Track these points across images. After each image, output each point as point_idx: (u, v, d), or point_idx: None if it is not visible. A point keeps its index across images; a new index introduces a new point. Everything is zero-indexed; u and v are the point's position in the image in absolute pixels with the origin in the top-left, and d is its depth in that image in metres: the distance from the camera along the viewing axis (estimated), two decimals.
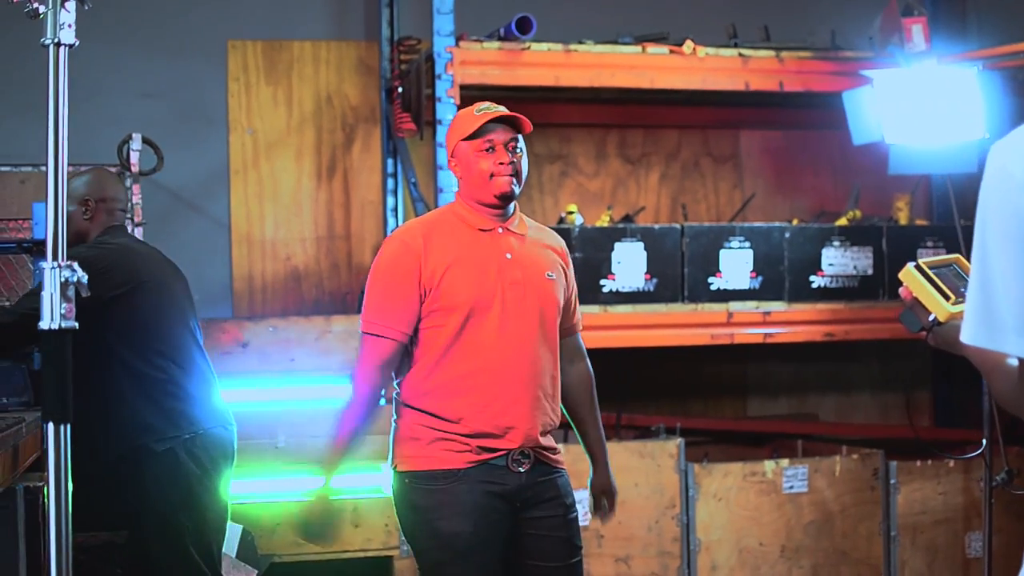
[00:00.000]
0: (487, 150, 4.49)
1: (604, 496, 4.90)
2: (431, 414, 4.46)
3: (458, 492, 4.43)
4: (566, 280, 4.72)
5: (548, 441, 4.58)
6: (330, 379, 6.73)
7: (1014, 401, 2.32)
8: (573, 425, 4.89)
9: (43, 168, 7.13)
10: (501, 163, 4.49)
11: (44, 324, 2.95)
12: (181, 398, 5.11)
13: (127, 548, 5.32)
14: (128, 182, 7.10)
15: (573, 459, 5.12)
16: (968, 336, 2.30)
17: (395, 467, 4.54)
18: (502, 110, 4.56)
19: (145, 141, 6.98)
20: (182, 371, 5.14)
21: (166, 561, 5.08)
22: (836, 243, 7.50)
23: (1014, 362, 2.28)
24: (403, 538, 6.57)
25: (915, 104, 7.10)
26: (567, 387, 4.80)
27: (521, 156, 4.53)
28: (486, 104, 4.58)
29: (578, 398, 4.86)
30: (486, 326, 4.46)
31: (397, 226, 7.84)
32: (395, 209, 7.90)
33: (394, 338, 4.45)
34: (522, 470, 4.49)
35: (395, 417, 4.61)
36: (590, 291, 6.97)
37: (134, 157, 6.89)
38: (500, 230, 4.55)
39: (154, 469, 5.02)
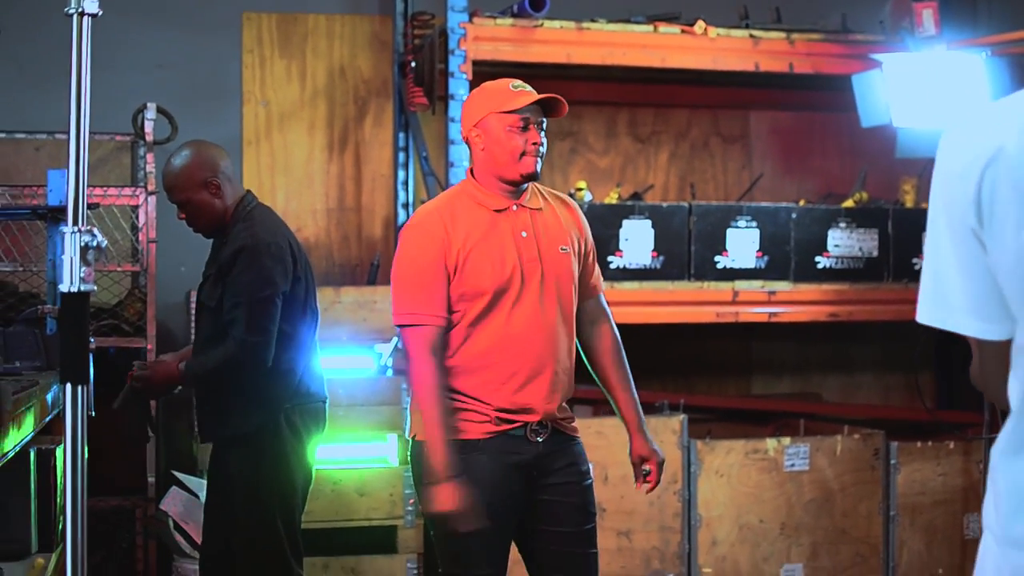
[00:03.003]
0: (521, 128, 4.52)
1: (646, 463, 4.78)
2: (451, 387, 4.52)
3: (476, 462, 4.48)
4: (583, 246, 4.73)
5: (564, 411, 4.64)
6: (339, 349, 6.79)
7: (977, 380, 2.39)
8: (604, 390, 4.86)
9: (57, 136, 7.24)
10: (534, 143, 4.53)
11: (64, 287, 3.03)
12: (299, 369, 5.27)
13: (209, 513, 5.43)
14: (142, 151, 7.17)
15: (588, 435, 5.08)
16: (922, 316, 2.37)
17: (414, 436, 4.59)
18: (532, 91, 4.59)
19: (160, 111, 7.04)
20: (298, 342, 5.27)
21: (250, 523, 5.22)
22: (842, 225, 7.55)
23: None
24: (408, 508, 6.67)
25: (924, 88, 7.15)
26: (594, 351, 4.81)
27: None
28: (519, 82, 4.58)
29: (605, 360, 4.82)
30: (505, 306, 4.50)
31: (407, 199, 7.89)
32: (405, 183, 7.95)
33: (434, 324, 4.45)
34: (540, 440, 4.55)
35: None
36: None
37: (148, 126, 6.96)
38: (514, 207, 4.59)
39: (258, 434, 5.19)
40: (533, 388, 4.53)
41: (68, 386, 3.03)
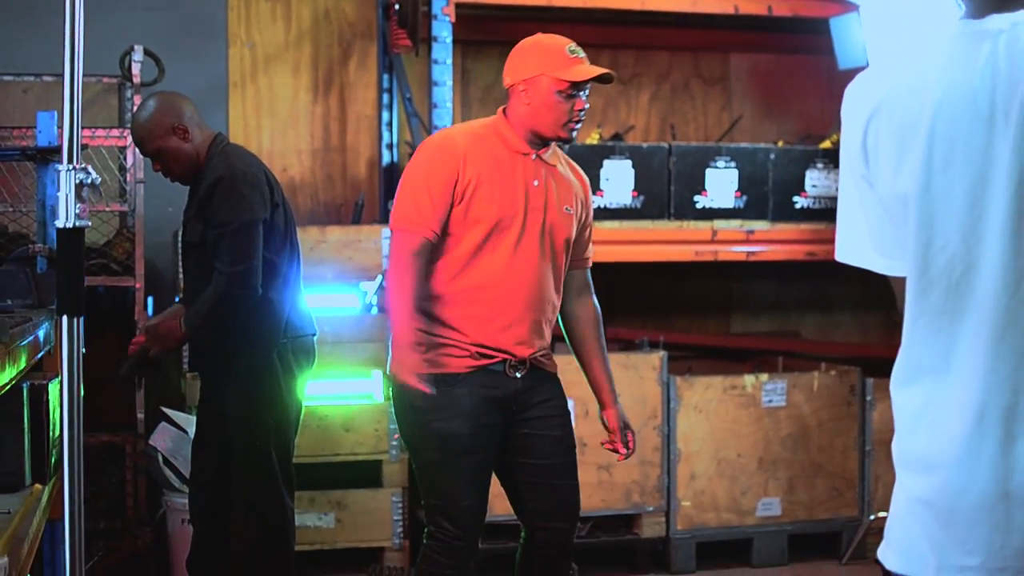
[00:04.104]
0: (570, 95, 4.61)
1: (625, 432, 4.91)
2: (435, 319, 4.63)
3: (456, 395, 4.59)
4: (584, 216, 4.86)
5: (542, 350, 4.76)
6: (325, 288, 6.88)
7: (901, 313, 2.52)
8: (579, 359, 4.96)
9: (45, 78, 7.29)
10: (582, 111, 4.63)
11: (60, 223, 3.13)
12: (286, 305, 5.37)
13: (200, 444, 5.55)
14: (129, 93, 7.23)
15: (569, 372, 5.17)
16: (839, 255, 2.52)
17: (394, 374, 4.70)
18: (586, 58, 4.64)
19: (147, 53, 7.09)
20: (283, 274, 5.38)
21: (246, 459, 5.35)
22: (820, 165, 7.62)
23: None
24: (392, 443, 6.79)
25: (900, 30, 7.23)
26: (575, 318, 4.92)
27: None
28: (575, 45, 4.63)
29: (586, 331, 4.94)
30: (503, 245, 4.60)
31: (391, 140, 7.97)
32: (390, 124, 8.02)
33: (423, 234, 4.54)
34: (519, 375, 4.67)
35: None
36: None
37: (136, 68, 7.01)
38: (534, 156, 4.69)
39: (252, 370, 5.31)
40: (516, 331, 4.64)
41: (64, 318, 3.14)
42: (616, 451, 4.91)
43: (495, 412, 4.66)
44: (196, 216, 5.31)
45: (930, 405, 2.37)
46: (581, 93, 4.60)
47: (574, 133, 4.65)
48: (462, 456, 4.62)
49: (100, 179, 3.09)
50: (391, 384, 4.72)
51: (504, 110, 4.72)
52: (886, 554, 2.47)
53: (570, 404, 4.99)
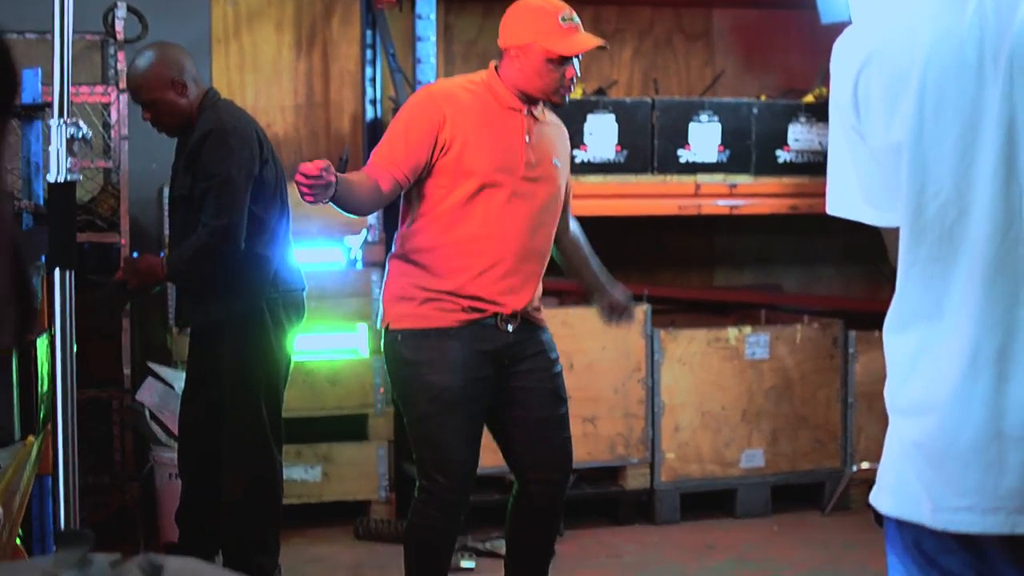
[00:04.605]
0: (560, 63, 4.63)
1: (616, 310, 5.10)
2: (428, 272, 4.67)
3: (448, 348, 4.65)
4: (567, 170, 4.94)
5: (533, 303, 4.81)
6: (310, 242, 6.89)
7: (892, 264, 2.55)
8: (573, 272, 5.13)
9: (27, 35, 7.28)
10: (572, 79, 4.67)
11: (51, 177, 3.16)
12: (275, 260, 5.42)
13: (196, 401, 5.59)
14: (112, 49, 7.23)
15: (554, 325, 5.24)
16: (830, 207, 2.56)
17: (387, 326, 4.74)
18: (579, 25, 4.68)
19: (130, 9, 7.09)
20: (271, 229, 5.42)
21: (236, 413, 5.39)
22: (802, 120, 7.65)
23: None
24: (378, 397, 6.84)
25: None
26: (566, 243, 5.04)
27: None
28: (568, 11, 4.67)
29: (571, 244, 5.08)
30: (496, 199, 4.64)
31: (374, 96, 7.97)
32: (373, 79, 8.02)
33: (389, 175, 4.56)
34: (510, 329, 4.72)
35: (386, 278, 4.81)
36: None
37: (119, 25, 7.01)
38: (525, 112, 4.73)
39: (242, 325, 5.37)
40: (509, 282, 4.69)
41: (56, 271, 3.17)
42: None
43: (487, 365, 4.71)
44: (184, 169, 5.33)
45: (924, 350, 2.40)
46: (573, 61, 4.63)
47: (566, 98, 4.70)
48: (454, 408, 4.67)
49: (91, 133, 3.11)
50: (384, 338, 4.77)
51: (497, 67, 4.74)
52: (879, 498, 2.50)
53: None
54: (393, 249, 4.81)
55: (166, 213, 6.43)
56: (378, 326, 4.84)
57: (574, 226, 5.11)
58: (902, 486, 2.45)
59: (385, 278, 4.83)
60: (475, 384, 4.69)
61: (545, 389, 4.82)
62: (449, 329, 4.66)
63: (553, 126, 4.86)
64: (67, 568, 1.86)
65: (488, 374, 4.72)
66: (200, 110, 5.40)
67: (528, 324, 4.79)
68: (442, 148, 4.59)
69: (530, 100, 4.71)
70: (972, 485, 2.36)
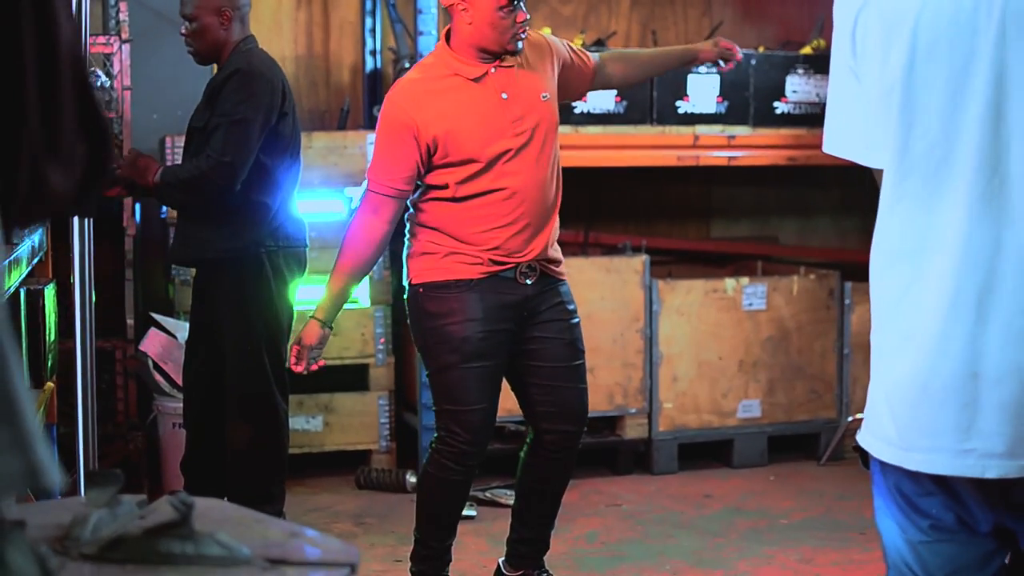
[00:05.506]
0: (510, 9, 4.64)
1: (722, 56, 5.27)
2: (446, 234, 4.71)
3: (469, 300, 4.69)
4: (559, 64, 4.92)
5: (554, 254, 4.85)
6: (311, 193, 6.90)
7: None
8: (652, 66, 5.36)
9: None
10: (524, 22, 4.67)
11: None
12: (279, 212, 5.45)
13: (200, 352, 5.62)
14: (113, 1, 7.23)
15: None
16: (827, 146, 2.60)
17: (410, 281, 4.80)
18: None
19: None
20: (275, 178, 5.46)
21: (240, 363, 5.44)
22: (800, 71, 7.67)
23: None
24: (379, 347, 6.88)
25: None
26: (615, 68, 5.18)
27: None
28: None
29: (625, 58, 5.26)
30: (499, 167, 4.67)
31: (375, 46, 7.98)
32: (373, 30, 8.02)
33: (387, 194, 4.67)
34: (529, 282, 4.76)
35: (408, 236, 4.85)
36: (561, 112, 7.10)
37: None
38: (492, 70, 4.74)
39: (244, 275, 5.40)
40: (525, 236, 4.72)
41: (75, 219, 3.20)
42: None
43: (507, 318, 4.75)
44: (205, 103, 5.40)
45: (908, 290, 2.44)
46: (520, 3, 4.63)
47: (520, 44, 4.69)
48: (474, 359, 4.72)
49: (110, 82, 3.13)
50: (407, 293, 4.82)
51: (446, 36, 4.74)
52: (863, 438, 2.55)
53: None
54: (410, 210, 4.84)
55: (167, 162, 6.47)
56: (403, 282, 4.89)
57: (604, 55, 5.21)
58: (880, 427, 2.50)
59: (407, 237, 4.88)
60: (494, 336, 4.74)
61: (562, 340, 4.86)
62: (470, 281, 4.70)
63: (526, 58, 4.80)
64: (98, 507, 1.91)
65: (508, 327, 4.76)
66: (234, 50, 5.44)
67: (547, 277, 4.83)
68: (428, 149, 4.63)
69: (491, 55, 4.71)
70: (946, 425, 2.39)
